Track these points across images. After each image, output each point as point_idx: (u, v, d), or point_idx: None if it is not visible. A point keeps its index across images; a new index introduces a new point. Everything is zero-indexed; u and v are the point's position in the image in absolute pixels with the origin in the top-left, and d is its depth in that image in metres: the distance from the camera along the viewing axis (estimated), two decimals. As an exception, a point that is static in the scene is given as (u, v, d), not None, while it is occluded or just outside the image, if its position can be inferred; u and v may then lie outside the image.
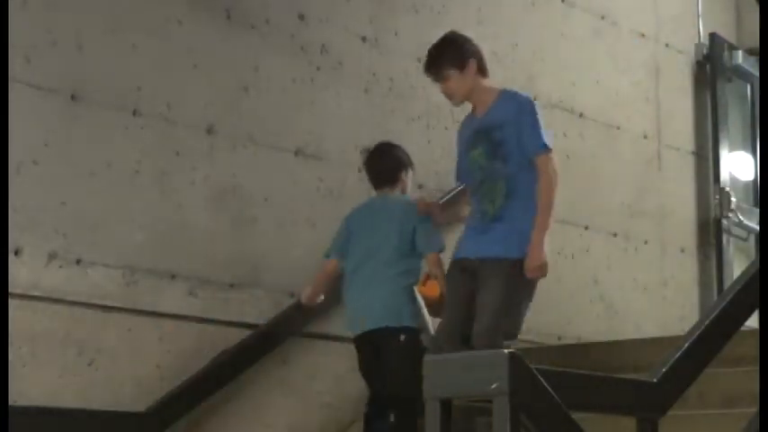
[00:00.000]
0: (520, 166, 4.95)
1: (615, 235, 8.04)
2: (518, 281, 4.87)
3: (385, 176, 5.70)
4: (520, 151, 4.95)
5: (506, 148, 4.96)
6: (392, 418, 5.47)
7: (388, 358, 5.35)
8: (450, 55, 5.13)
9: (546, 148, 4.96)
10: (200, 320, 5.78)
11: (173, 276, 5.70)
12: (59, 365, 5.28)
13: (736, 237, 8.82)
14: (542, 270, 4.90)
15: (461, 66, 5.09)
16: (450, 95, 5.20)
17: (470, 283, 4.95)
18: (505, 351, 2.97)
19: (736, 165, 9.10)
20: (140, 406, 5.36)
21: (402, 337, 5.35)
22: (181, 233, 5.78)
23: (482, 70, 5.16)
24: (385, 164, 5.74)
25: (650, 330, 7.74)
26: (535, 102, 5.08)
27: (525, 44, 7.63)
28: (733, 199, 8.75)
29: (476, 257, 4.94)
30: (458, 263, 5.04)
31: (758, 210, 8.70)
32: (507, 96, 5.11)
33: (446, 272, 5.21)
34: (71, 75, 5.44)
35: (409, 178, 5.77)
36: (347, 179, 6.42)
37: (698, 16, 8.93)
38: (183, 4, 5.89)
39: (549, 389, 3.04)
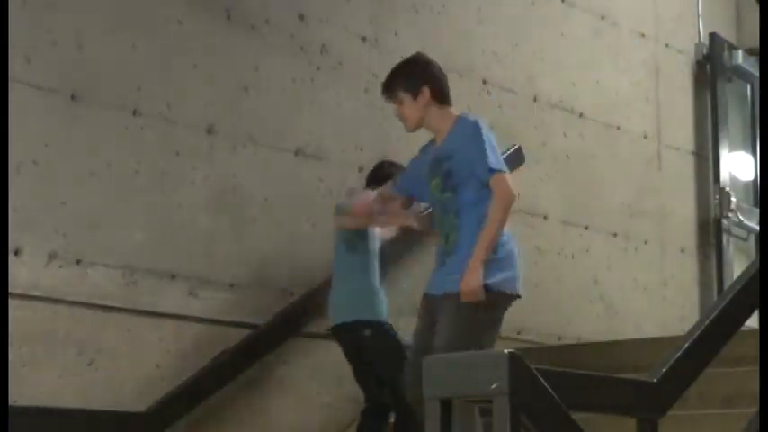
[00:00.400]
0: (476, 196, 4.71)
1: (615, 235, 8.04)
2: (471, 315, 4.58)
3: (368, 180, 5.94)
4: (476, 180, 4.71)
5: (456, 179, 4.73)
6: (393, 418, 5.51)
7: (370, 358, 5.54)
8: (403, 79, 4.91)
9: (496, 170, 4.69)
10: (200, 320, 5.79)
11: (173, 276, 5.70)
12: (59, 365, 5.28)
13: (736, 237, 8.82)
14: (475, 294, 4.57)
15: (414, 92, 4.86)
16: (402, 121, 4.98)
17: (431, 319, 4.72)
18: (505, 351, 2.97)
19: (736, 165, 9.10)
20: (140, 406, 5.36)
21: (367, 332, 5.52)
22: (181, 233, 5.78)
23: (439, 98, 4.90)
24: (374, 173, 5.93)
25: (650, 330, 7.74)
26: (481, 123, 4.78)
27: (525, 44, 7.64)
28: (733, 199, 8.75)
29: (432, 294, 4.76)
30: (423, 299, 4.83)
31: (758, 210, 8.70)
32: (458, 124, 4.84)
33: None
34: (71, 75, 5.44)
35: None
36: (347, 179, 6.42)
37: (698, 16, 8.93)
38: (183, 4, 5.89)
39: (549, 389, 3.04)
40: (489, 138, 4.76)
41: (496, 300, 4.66)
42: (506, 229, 4.78)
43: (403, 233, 6.46)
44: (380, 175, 5.86)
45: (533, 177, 7.55)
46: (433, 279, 4.81)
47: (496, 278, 4.65)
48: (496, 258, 4.67)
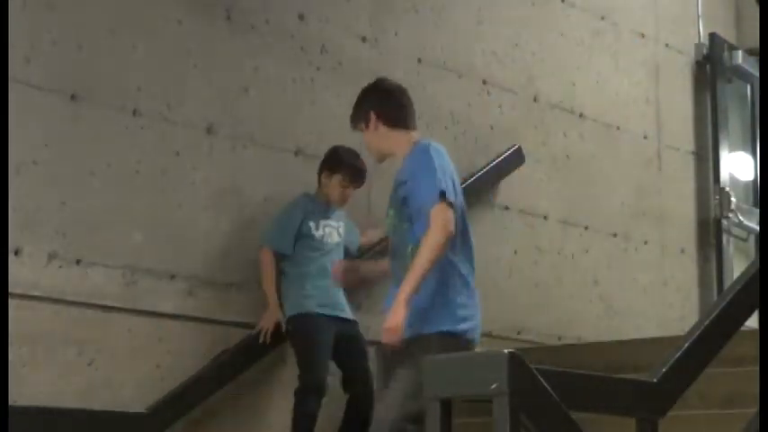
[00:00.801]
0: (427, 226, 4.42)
1: (615, 235, 8.04)
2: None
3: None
4: (425, 210, 4.43)
5: (411, 207, 4.49)
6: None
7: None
8: (356, 109, 4.83)
9: (438, 198, 4.39)
10: (200, 320, 5.78)
11: (173, 276, 5.70)
12: (59, 365, 5.28)
13: (736, 237, 8.82)
14: (394, 335, 4.30)
15: (366, 120, 4.74)
16: (368, 151, 4.92)
17: (389, 363, 4.47)
18: (505, 351, 2.97)
19: (736, 165, 9.10)
20: (140, 406, 5.36)
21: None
22: (181, 233, 5.78)
23: (389, 121, 4.71)
24: (327, 158, 6.09)
25: (650, 330, 7.74)
26: (433, 147, 4.56)
27: (525, 44, 7.63)
28: (733, 199, 8.75)
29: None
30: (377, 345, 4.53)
31: (758, 210, 8.69)
32: (414, 148, 4.63)
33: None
34: (71, 75, 5.44)
35: (334, 182, 5.98)
36: (347, 179, 6.41)
37: (698, 16, 8.93)
38: (183, 4, 5.89)
39: (549, 389, 3.04)
40: (440, 163, 4.50)
41: (457, 347, 4.36)
42: (467, 267, 4.55)
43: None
44: (333, 160, 5.99)
45: (533, 177, 7.55)
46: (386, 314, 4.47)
47: (461, 326, 4.44)
48: (461, 303, 4.46)
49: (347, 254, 6.07)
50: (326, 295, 5.81)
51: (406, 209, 4.51)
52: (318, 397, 5.67)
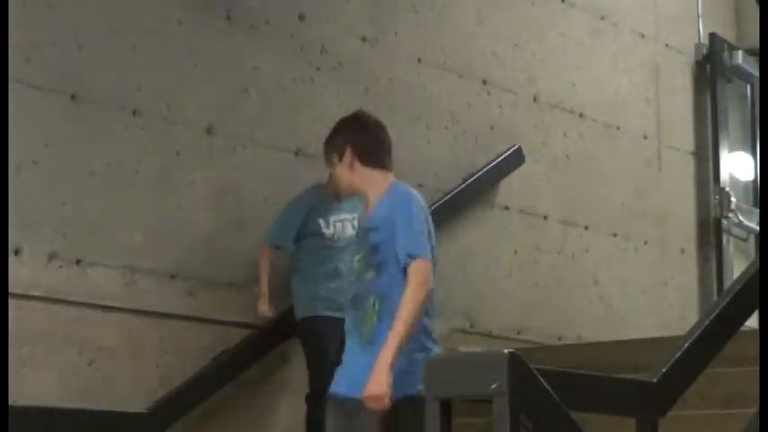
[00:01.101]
0: (399, 280, 4.14)
1: (615, 235, 8.04)
2: (395, 425, 4.04)
3: None
4: (398, 262, 4.16)
5: (381, 256, 4.19)
6: None
7: None
8: (332, 140, 4.54)
9: (416, 254, 4.12)
10: (200, 320, 5.78)
11: (173, 276, 5.70)
12: (59, 365, 5.28)
13: (736, 237, 8.82)
14: (380, 401, 3.99)
15: (339, 153, 4.41)
16: (337, 184, 4.60)
17: (343, 424, 4.23)
18: (505, 351, 2.97)
19: (736, 165, 9.10)
20: (140, 406, 5.36)
21: None
22: (181, 233, 5.78)
23: (364, 159, 4.38)
24: None
25: (650, 330, 7.74)
26: (413, 196, 4.26)
27: (525, 44, 7.63)
28: (733, 199, 8.75)
29: (343, 394, 4.20)
30: (328, 399, 4.29)
31: (758, 210, 8.69)
32: (390, 191, 4.32)
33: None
34: (71, 75, 5.44)
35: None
36: (347, 179, 6.41)
37: (698, 16, 8.93)
38: (183, 4, 5.89)
39: (549, 389, 3.04)
40: (420, 215, 4.23)
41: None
42: (433, 335, 4.24)
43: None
44: None
45: (533, 177, 7.55)
46: (343, 374, 4.24)
47: None
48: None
49: None
50: (336, 297, 5.78)
51: (375, 257, 4.20)
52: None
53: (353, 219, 5.93)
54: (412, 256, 4.11)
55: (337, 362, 5.69)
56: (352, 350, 4.23)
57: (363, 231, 4.33)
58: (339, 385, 4.23)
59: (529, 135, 7.54)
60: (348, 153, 4.38)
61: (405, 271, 4.12)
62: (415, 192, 4.33)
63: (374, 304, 4.17)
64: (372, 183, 4.37)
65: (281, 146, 6.25)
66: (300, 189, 6.13)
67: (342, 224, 5.90)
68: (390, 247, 4.17)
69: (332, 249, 5.84)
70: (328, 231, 5.86)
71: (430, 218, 4.31)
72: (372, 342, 4.11)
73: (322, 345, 5.70)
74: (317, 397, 5.65)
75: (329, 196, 5.88)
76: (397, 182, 4.39)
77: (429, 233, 4.25)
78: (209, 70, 5.96)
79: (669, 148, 8.55)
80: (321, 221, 5.86)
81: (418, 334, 4.14)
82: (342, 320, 5.77)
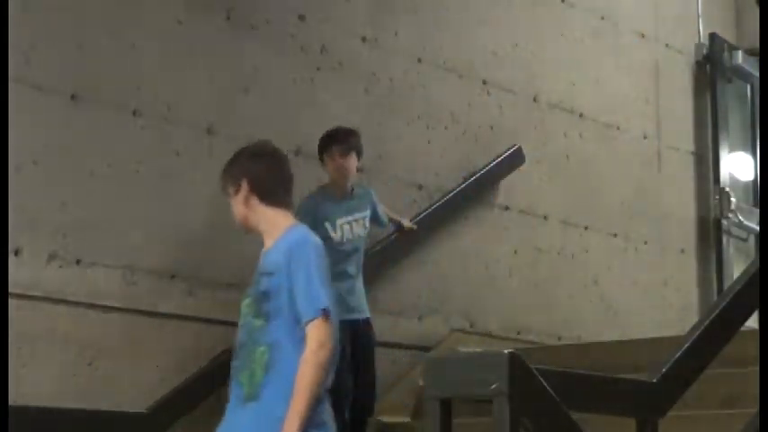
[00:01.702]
0: (299, 332, 3.82)
1: (615, 235, 8.04)
2: None
3: None
4: (292, 312, 3.85)
5: (272, 304, 3.88)
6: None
7: None
8: (229, 170, 4.15)
9: (317, 312, 3.80)
10: (200, 320, 5.78)
11: (173, 276, 5.70)
12: (59, 365, 5.28)
13: (736, 237, 8.82)
14: None
15: (235, 186, 4.07)
16: (234, 216, 4.19)
17: None
18: (505, 351, 2.97)
19: (736, 165, 9.10)
20: (140, 406, 5.36)
21: None
22: (181, 233, 5.78)
23: (262, 195, 4.05)
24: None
25: (650, 330, 7.74)
26: (312, 243, 3.96)
27: (525, 44, 7.63)
28: (733, 199, 8.76)
29: None
30: None
31: (758, 210, 8.69)
32: (288, 235, 3.99)
33: None
34: (71, 75, 5.44)
35: (329, 162, 5.93)
36: (347, 179, 6.41)
37: (698, 16, 8.93)
38: (183, 4, 5.89)
39: (549, 389, 3.04)
40: (319, 265, 3.91)
41: None
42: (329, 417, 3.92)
43: (402, 233, 6.48)
44: (319, 143, 5.94)
45: (533, 177, 7.55)
46: (226, 425, 3.92)
47: None
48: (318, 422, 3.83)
49: (381, 225, 6.16)
50: (345, 299, 5.78)
51: (265, 304, 3.90)
52: (345, 406, 5.65)
53: (364, 218, 5.92)
54: (312, 313, 3.80)
55: (342, 366, 5.70)
56: (233, 405, 3.90)
57: (257, 275, 4.01)
58: None
59: (529, 135, 7.54)
60: (245, 187, 4.05)
61: (301, 325, 3.80)
62: (314, 236, 4.03)
63: (262, 355, 3.86)
64: (271, 223, 4.04)
65: (282, 146, 6.17)
66: (300, 189, 6.10)
67: (349, 225, 5.88)
68: (284, 295, 3.85)
69: (340, 252, 5.81)
70: (335, 235, 5.83)
71: (327, 265, 3.98)
72: (256, 397, 3.82)
73: (341, 347, 5.68)
74: (333, 404, 5.62)
75: (333, 197, 5.87)
76: (296, 224, 4.06)
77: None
78: (209, 70, 5.96)
79: (669, 148, 8.55)
80: (327, 225, 5.82)
81: (320, 407, 3.83)
82: (352, 322, 5.79)
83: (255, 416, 3.80)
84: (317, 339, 3.77)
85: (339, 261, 5.79)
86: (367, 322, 5.90)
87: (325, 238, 5.76)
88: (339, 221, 5.83)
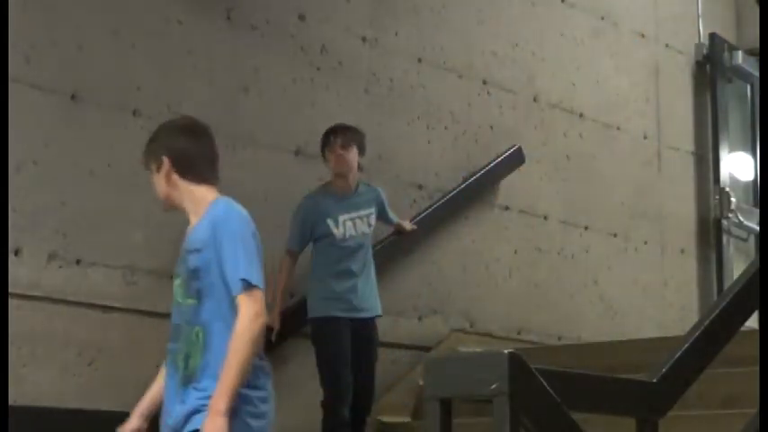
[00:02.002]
0: (232, 309, 3.68)
1: (615, 235, 8.04)
2: None
3: None
4: (225, 288, 3.71)
5: (203, 282, 3.74)
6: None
7: None
8: (149, 146, 3.99)
9: (246, 284, 3.66)
10: (200, 320, 5.78)
11: (173, 276, 5.69)
12: (59, 365, 5.28)
13: (736, 237, 8.82)
14: None
15: (157, 162, 3.90)
16: (157, 194, 4.01)
17: None
18: (505, 351, 2.97)
19: (736, 165, 9.11)
20: (140, 406, 5.35)
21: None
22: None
23: (183, 171, 3.89)
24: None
25: (650, 330, 7.75)
26: (237, 215, 3.83)
27: (525, 44, 7.64)
28: (733, 199, 8.76)
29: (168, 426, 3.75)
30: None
31: (758, 210, 8.70)
32: (212, 209, 3.85)
33: None
34: (71, 75, 5.44)
35: (329, 155, 5.94)
36: (347, 179, 6.41)
37: (698, 16, 8.94)
38: (183, 4, 5.89)
39: (549, 389, 3.04)
40: (247, 234, 3.79)
41: None
42: (269, 381, 3.81)
43: (403, 234, 6.48)
44: (321, 139, 5.93)
45: (533, 177, 7.56)
46: (166, 412, 3.78)
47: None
48: (253, 411, 3.70)
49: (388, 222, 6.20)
50: (349, 298, 5.78)
51: (195, 282, 3.76)
52: (346, 404, 5.66)
53: (369, 215, 5.92)
54: (243, 285, 3.65)
55: (345, 367, 5.69)
56: (171, 390, 3.76)
57: (183, 252, 3.86)
58: (163, 423, 3.77)
59: (529, 135, 7.54)
60: (166, 164, 3.88)
61: (234, 300, 3.66)
62: (239, 207, 3.87)
63: (197, 336, 3.74)
64: (194, 200, 3.89)
65: (281, 146, 6.25)
66: (300, 189, 6.13)
67: (352, 222, 5.87)
68: (214, 272, 3.71)
69: (343, 249, 5.82)
70: (338, 232, 5.83)
71: (258, 236, 3.83)
72: (195, 380, 3.69)
73: (334, 352, 5.70)
74: (334, 402, 5.65)
75: (335, 194, 5.87)
76: (220, 198, 3.91)
77: (257, 249, 3.79)
78: (209, 70, 5.96)
79: (669, 148, 8.55)
80: (330, 222, 5.82)
81: (252, 380, 3.69)
82: (354, 320, 5.79)
83: (196, 399, 3.66)
84: (248, 313, 3.63)
85: (342, 258, 5.79)
86: (373, 321, 5.89)
87: (327, 235, 5.77)
88: (341, 218, 5.82)
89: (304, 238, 5.84)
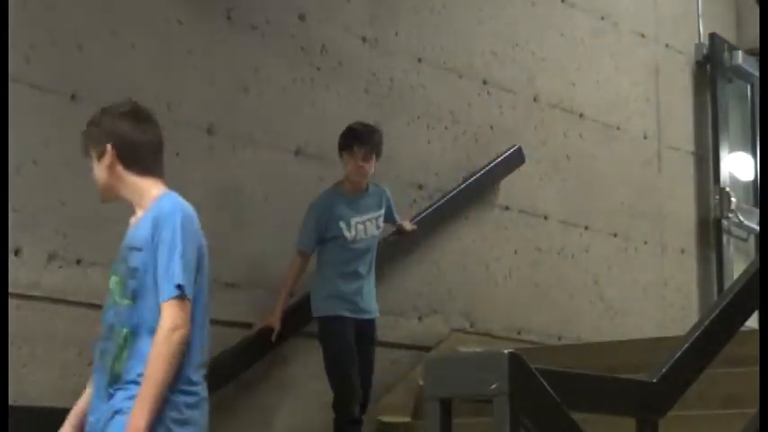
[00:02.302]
0: (156, 313, 3.53)
1: (615, 235, 8.04)
2: None
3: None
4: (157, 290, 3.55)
5: (140, 282, 3.55)
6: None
7: None
8: (91, 130, 3.75)
9: (172, 291, 3.50)
10: (200, 320, 5.77)
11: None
12: (59, 365, 5.27)
13: (736, 237, 8.82)
14: None
15: (99, 150, 3.70)
16: (97, 183, 3.82)
17: None
18: (505, 351, 2.97)
19: (736, 165, 9.11)
20: (140, 406, 5.35)
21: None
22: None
23: (128, 162, 3.69)
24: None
25: (650, 330, 7.75)
26: (181, 214, 3.62)
27: (525, 44, 7.64)
28: (733, 199, 8.76)
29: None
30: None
31: (758, 210, 8.70)
32: (157, 205, 3.64)
33: None
34: (71, 75, 5.44)
35: (349, 161, 5.89)
36: (347, 179, 6.41)
37: (698, 16, 8.94)
38: (183, 4, 5.89)
39: (549, 389, 3.04)
40: (188, 236, 3.61)
41: None
42: (198, 386, 3.68)
43: (403, 234, 6.48)
44: (341, 139, 5.89)
45: (533, 177, 7.56)
46: (91, 408, 3.67)
47: None
48: (177, 418, 3.56)
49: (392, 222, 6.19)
50: (355, 299, 5.78)
51: (132, 281, 3.56)
52: (356, 403, 5.67)
53: (378, 217, 5.92)
54: (168, 293, 3.50)
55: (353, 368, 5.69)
56: (98, 391, 3.62)
57: (124, 249, 3.65)
58: (89, 426, 3.65)
59: (529, 135, 7.54)
60: (109, 152, 3.68)
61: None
62: (186, 205, 3.67)
63: (126, 338, 3.57)
64: (137, 192, 3.70)
65: (281, 146, 6.25)
66: (300, 189, 6.13)
67: (363, 225, 5.87)
68: (151, 273, 3.54)
69: (353, 251, 5.82)
70: (349, 234, 5.82)
71: (203, 239, 3.73)
72: (121, 382, 3.56)
73: (341, 353, 5.70)
74: (344, 403, 5.63)
75: (348, 196, 5.86)
76: (166, 193, 3.71)
77: (200, 260, 3.69)
78: (209, 70, 5.96)
79: (669, 148, 8.55)
80: (342, 224, 5.81)
81: (178, 385, 3.56)
82: (358, 322, 5.79)
83: (120, 402, 3.53)
84: (171, 322, 3.48)
85: (351, 260, 5.79)
86: (373, 322, 5.91)
87: (338, 237, 5.77)
88: (354, 220, 5.82)
89: (316, 239, 5.83)
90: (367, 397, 5.85)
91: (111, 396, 3.56)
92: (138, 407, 3.43)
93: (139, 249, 3.58)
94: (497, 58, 7.46)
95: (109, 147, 3.68)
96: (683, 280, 8.53)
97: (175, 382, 3.53)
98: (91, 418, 3.63)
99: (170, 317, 3.49)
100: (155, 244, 3.55)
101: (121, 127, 3.71)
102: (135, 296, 3.56)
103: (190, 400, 3.62)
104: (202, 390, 3.70)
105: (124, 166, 3.70)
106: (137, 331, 3.56)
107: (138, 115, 3.78)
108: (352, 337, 5.76)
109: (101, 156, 3.70)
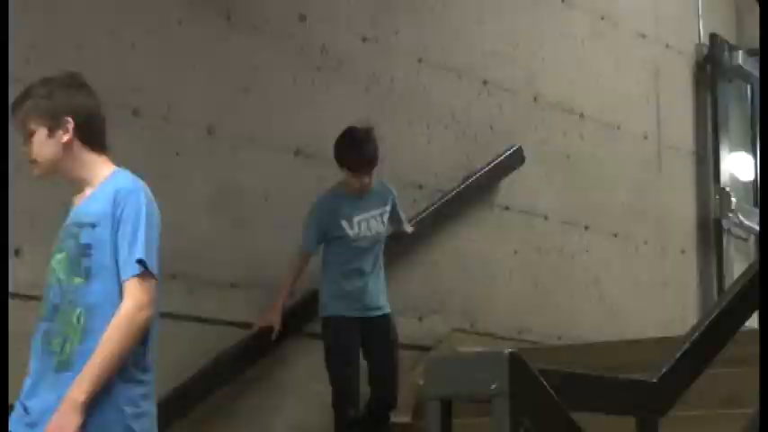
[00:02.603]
0: (114, 291, 3.42)
1: (615, 235, 8.04)
2: None
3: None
4: (116, 269, 3.42)
5: (94, 259, 3.40)
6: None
7: None
8: (38, 103, 3.54)
9: (136, 269, 3.40)
10: (200, 320, 5.78)
11: (173, 276, 5.69)
12: (59, 365, 5.27)
13: (737, 237, 8.82)
14: None
15: (52, 124, 3.50)
16: (31, 160, 3.63)
17: None
18: (505, 351, 2.97)
19: (736, 165, 9.11)
20: (140, 406, 5.35)
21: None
22: (181, 233, 5.77)
23: (94, 143, 3.54)
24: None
25: (650, 330, 7.74)
26: (144, 192, 3.54)
27: (525, 44, 7.64)
28: (733, 199, 8.76)
29: (38, 419, 3.46)
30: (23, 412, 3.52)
31: (758, 210, 8.70)
32: (113, 179, 3.52)
33: None
34: (71, 75, 5.43)
35: (347, 175, 5.86)
36: (347, 179, 6.41)
37: (698, 17, 8.94)
38: (183, 4, 5.89)
39: (549, 389, 3.04)
40: (151, 216, 3.52)
41: None
42: (151, 373, 3.53)
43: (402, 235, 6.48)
44: (336, 155, 5.87)
45: (533, 177, 7.55)
46: (27, 391, 3.56)
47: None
48: (136, 412, 3.44)
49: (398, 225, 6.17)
50: (359, 297, 5.78)
51: (85, 259, 3.41)
52: (351, 403, 5.66)
53: (383, 214, 5.91)
54: (139, 268, 3.40)
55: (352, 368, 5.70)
56: (43, 375, 3.47)
57: (71, 226, 3.53)
58: (18, 423, 3.48)
59: (529, 135, 7.54)
60: (67, 127, 3.49)
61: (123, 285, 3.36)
62: (144, 184, 3.56)
63: (78, 319, 3.39)
64: (90, 170, 3.55)
65: (281, 146, 6.25)
66: (300, 189, 6.13)
67: (366, 223, 5.86)
68: (108, 249, 3.41)
69: (355, 249, 5.82)
70: (352, 232, 5.82)
71: (159, 217, 3.61)
72: (70, 367, 3.39)
73: (341, 354, 5.70)
74: (342, 404, 5.63)
75: (351, 194, 5.85)
76: (120, 169, 3.59)
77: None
78: (209, 70, 5.96)
79: (669, 148, 8.55)
80: (344, 223, 5.81)
81: (129, 367, 3.42)
82: (363, 319, 5.78)
83: (69, 388, 3.34)
84: (136, 301, 3.37)
85: (353, 258, 5.79)
86: (385, 318, 5.87)
87: (341, 236, 5.77)
88: (356, 218, 5.82)
89: (319, 239, 5.83)
90: (387, 396, 5.80)
91: (57, 384, 3.39)
92: (81, 380, 3.28)
93: (93, 225, 3.44)
94: (497, 58, 7.46)
95: (68, 121, 3.48)
96: (683, 280, 8.53)
97: (132, 369, 3.41)
98: (28, 402, 3.47)
99: (134, 296, 3.38)
100: (115, 221, 3.41)
101: (81, 100, 3.53)
102: (87, 275, 3.41)
103: (144, 390, 3.49)
104: (153, 377, 3.57)
105: (82, 142, 3.52)
106: (89, 312, 3.39)
107: (89, 87, 3.58)
108: (353, 337, 5.75)
109: (53, 129, 3.49)
